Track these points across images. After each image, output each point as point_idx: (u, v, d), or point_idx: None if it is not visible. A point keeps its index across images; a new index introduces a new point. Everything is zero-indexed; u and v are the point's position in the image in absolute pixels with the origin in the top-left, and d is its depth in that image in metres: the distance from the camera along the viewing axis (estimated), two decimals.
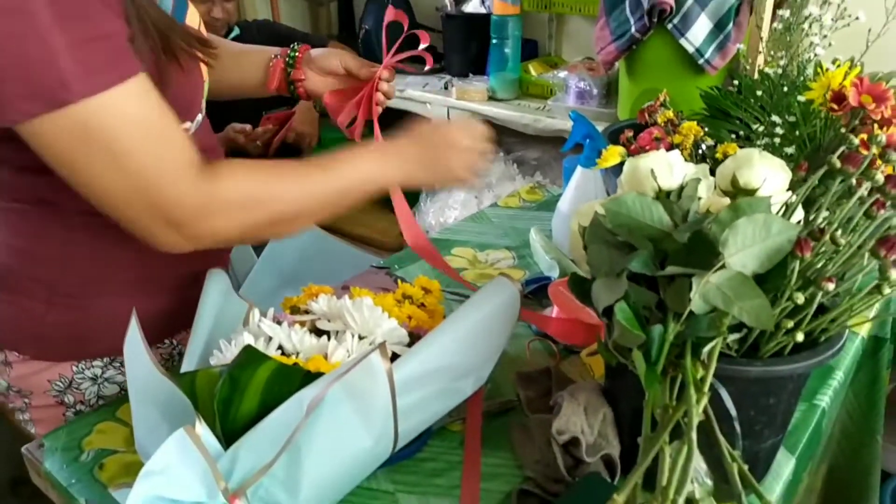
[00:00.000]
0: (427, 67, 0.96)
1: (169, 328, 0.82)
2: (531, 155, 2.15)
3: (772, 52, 0.73)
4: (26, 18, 0.52)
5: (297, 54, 0.91)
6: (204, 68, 0.75)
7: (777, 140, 0.76)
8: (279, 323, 0.68)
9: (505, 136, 2.12)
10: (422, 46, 0.89)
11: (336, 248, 1.09)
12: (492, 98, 1.94)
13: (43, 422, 0.80)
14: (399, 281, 0.99)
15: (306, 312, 0.73)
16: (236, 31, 1.90)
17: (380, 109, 0.91)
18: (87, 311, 0.75)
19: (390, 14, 0.89)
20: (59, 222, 0.70)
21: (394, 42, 0.88)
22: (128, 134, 0.58)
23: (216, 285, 0.76)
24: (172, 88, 0.64)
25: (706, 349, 0.47)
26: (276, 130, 2.04)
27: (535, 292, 0.96)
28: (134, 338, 0.58)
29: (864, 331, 0.89)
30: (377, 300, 0.71)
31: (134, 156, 0.58)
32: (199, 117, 0.76)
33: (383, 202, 0.83)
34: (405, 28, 0.88)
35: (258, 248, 1.04)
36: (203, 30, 0.79)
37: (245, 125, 1.92)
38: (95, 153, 0.57)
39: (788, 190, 0.59)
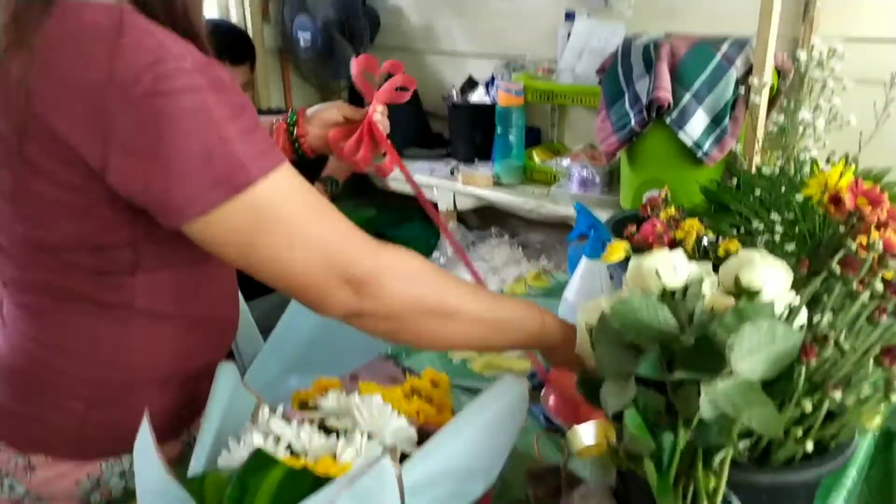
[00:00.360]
0: (405, 98, 1.00)
1: (191, 416, 0.83)
2: (535, 238, 2.18)
3: (768, 152, 0.76)
4: (206, 114, 0.59)
5: (296, 115, 0.99)
6: None
7: (777, 237, 0.78)
8: (288, 420, 0.68)
9: (510, 220, 2.16)
10: (398, 80, 0.97)
11: (342, 332, 1.10)
12: (497, 183, 1.99)
13: None
14: (407, 373, 0.99)
15: (315, 408, 0.73)
16: None
17: (385, 132, 0.97)
18: (129, 408, 0.74)
19: (360, 63, 0.95)
20: (114, 321, 0.72)
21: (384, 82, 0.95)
22: (302, 205, 0.63)
23: (226, 379, 0.76)
24: None
25: (717, 459, 0.47)
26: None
27: (541, 385, 0.96)
28: (145, 439, 0.58)
29: (874, 425, 0.88)
30: (386, 395, 0.71)
31: (311, 224, 0.63)
32: None
33: None
34: (376, 70, 0.95)
35: (265, 333, 1.04)
36: None
37: None
38: (277, 227, 0.62)
39: (791, 289, 0.61)
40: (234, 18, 2.38)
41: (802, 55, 0.75)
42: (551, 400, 0.87)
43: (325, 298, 0.65)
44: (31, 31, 0.61)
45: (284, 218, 0.62)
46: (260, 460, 0.55)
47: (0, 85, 0.63)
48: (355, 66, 0.94)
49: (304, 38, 2.32)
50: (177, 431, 0.82)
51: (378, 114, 0.95)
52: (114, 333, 0.72)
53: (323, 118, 0.98)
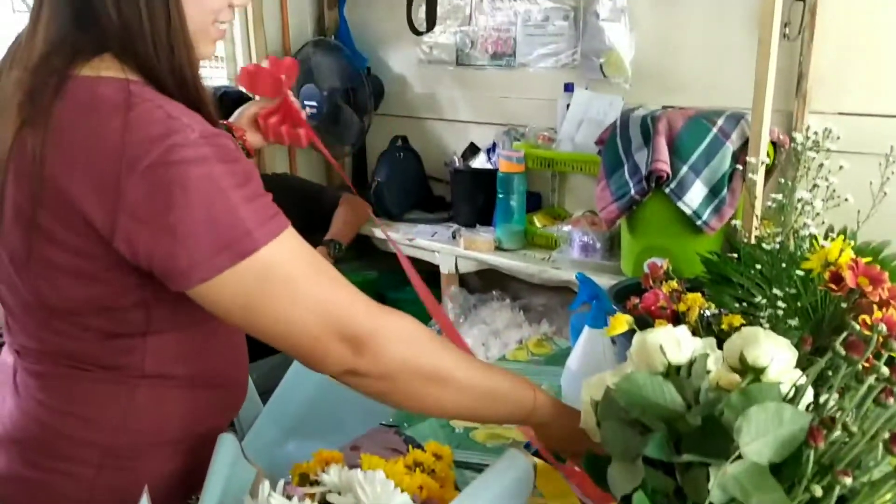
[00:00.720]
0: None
1: (198, 485, 0.81)
2: (537, 301, 2.18)
3: (767, 226, 0.78)
4: (212, 184, 0.61)
5: (227, 126, 1.06)
6: None
7: (780, 312, 0.79)
8: (289, 497, 0.67)
9: (512, 283, 2.17)
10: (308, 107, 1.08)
11: (343, 396, 1.09)
12: (498, 248, 2.01)
13: None
14: (410, 446, 0.97)
15: (316, 483, 0.72)
16: None
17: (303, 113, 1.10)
18: (137, 472, 0.74)
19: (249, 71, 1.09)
20: (122, 385, 0.72)
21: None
22: (304, 269, 0.65)
23: (226, 450, 0.75)
24: None
25: None
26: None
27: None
28: None
29: None
30: (388, 470, 0.70)
31: (313, 285, 0.65)
32: None
33: None
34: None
35: (264, 396, 1.03)
36: None
37: None
38: (280, 290, 0.64)
39: (795, 367, 0.61)
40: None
41: (798, 136, 0.77)
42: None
43: (324, 356, 0.67)
44: (46, 107, 0.64)
45: (287, 280, 0.64)
46: None
47: (16, 157, 0.65)
48: (244, 75, 1.09)
49: (310, 105, 2.38)
50: (186, 496, 0.80)
51: (291, 95, 1.09)
52: (122, 397, 0.73)
53: (247, 114, 1.08)
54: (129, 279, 0.66)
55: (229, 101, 1.92)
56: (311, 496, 0.68)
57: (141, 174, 0.60)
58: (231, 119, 1.10)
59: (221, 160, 0.63)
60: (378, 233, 2.22)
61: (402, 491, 0.67)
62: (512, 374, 0.77)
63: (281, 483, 0.70)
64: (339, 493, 0.67)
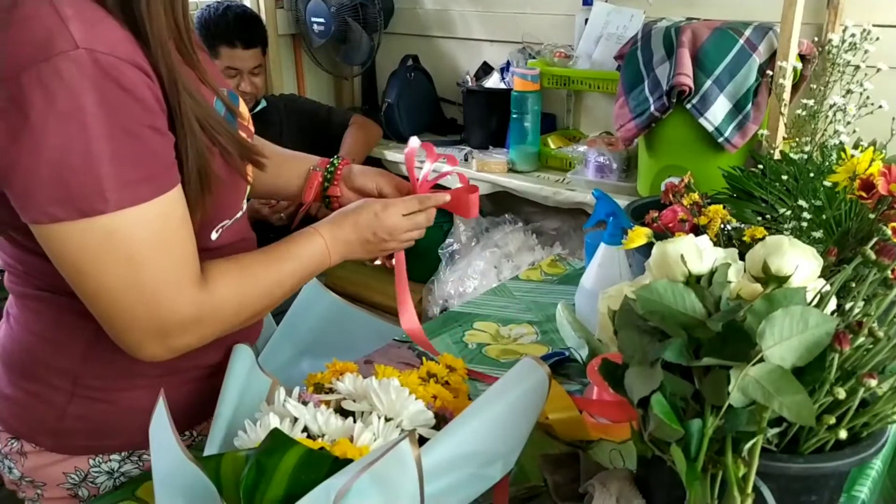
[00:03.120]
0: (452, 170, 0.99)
1: (190, 419, 0.81)
2: (550, 225, 2.16)
3: (796, 138, 0.74)
4: (77, 126, 0.53)
5: (336, 169, 0.93)
6: (250, 169, 0.76)
7: (804, 224, 0.76)
8: (305, 403, 0.67)
9: (524, 207, 2.15)
10: (451, 168, 0.96)
11: (356, 317, 1.09)
12: (512, 170, 1.97)
13: None
14: (423, 357, 0.98)
15: (331, 391, 0.73)
16: (263, 104, 1.97)
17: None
18: (110, 403, 0.74)
19: (413, 146, 0.93)
20: (86, 311, 0.69)
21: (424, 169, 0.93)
22: (147, 247, 0.59)
23: (241, 361, 0.75)
24: (214, 194, 0.67)
25: (747, 446, 0.46)
26: (300, 203, 2.07)
27: (553, 367, 0.95)
28: (161, 421, 0.57)
29: None
30: (402, 379, 0.71)
31: (147, 268, 0.60)
32: (239, 214, 0.78)
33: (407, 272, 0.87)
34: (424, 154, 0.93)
35: (277, 317, 1.04)
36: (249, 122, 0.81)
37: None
38: (111, 263, 0.58)
39: (820, 277, 0.59)
40: (248, 2, 2.37)
41: (835, 37, 0.73)
42: (595, 394, 0.85)
43: (135, 344, 0.63)
44: None
45: (124, 257, 0.58)
46: (277, 441, 0.54)
47: None
48: (409, 151, 0.92)
49: (317, 23, 2.30)
50: (181, 430, 0.79)
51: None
52: (90, 326, 0.69)
53: (361, 187, 0.93)
54: None
55: (233, 16, 1.85)
56: (327, 403, 0.69)
57: (4, 80, 0.52)
58: (352, 170, 0.94)
59: (104, 99, 0.53)
60: (389, 155, 2.18)
61: (417, 399, 0.67)
62: (306, 241, 0.78)
63: (296, 391, 0.70)
64: (354, 401, 0.68)
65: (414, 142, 0.93)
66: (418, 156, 0.95)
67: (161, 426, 0.57)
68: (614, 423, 0.80)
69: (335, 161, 0.94)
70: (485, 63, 2.23)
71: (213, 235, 0.74)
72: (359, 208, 0.83)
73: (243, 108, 0.79)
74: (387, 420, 0.64)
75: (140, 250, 0.59)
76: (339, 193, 0.93)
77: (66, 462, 0.75)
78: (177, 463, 0.54)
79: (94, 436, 0.75)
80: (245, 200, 0.79)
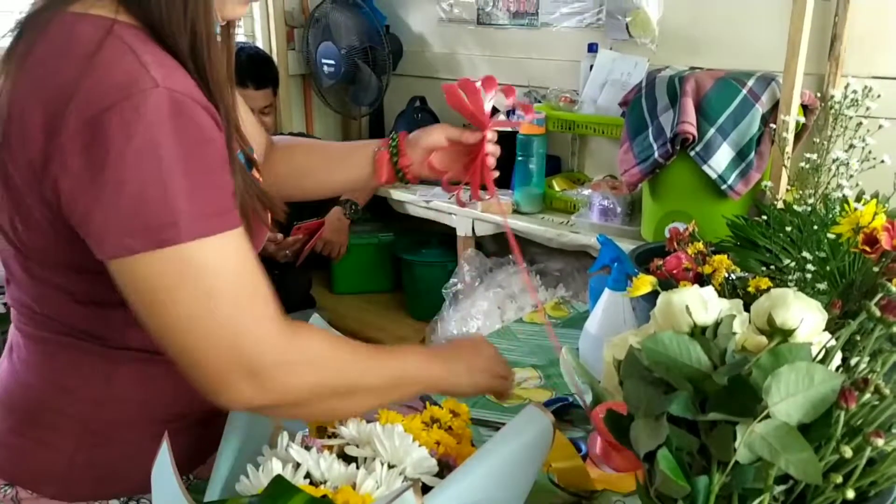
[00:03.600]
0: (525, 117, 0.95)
1: (189, 462, 0.80)
2: (554, 266, 2.17)
3: (800, 191, 0.75)
4: (155, 161, 0.55)
5: (398, 143, 0.93)
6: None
7: (808, 275, 0.77)
8: (308, 448, 0.67)
9: (528, 248, 2.15)
10: (510, 100, 0.92)
11: None
12: (516, 211, 1.99)
13: None
14: (427, 403, 0.98)
15: (333, 435, 0.72)
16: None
17: (493, 174, 0.92)
18: (115, 449, 0.73)
19: (484, 83, 0.89)
20: (105, 357, 0.70)
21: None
22: (224, 280, 0.58)
23: None
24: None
25: (754, 503, 0.46)
26: (306, 240, 2.09)
27: (556, 412, 0.95)
28: (164, 464, 0.57)
29: None
30: (405, 425, 0.70)
31: (226, 302, 0.58)
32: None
33: (406, 308, 0.86)
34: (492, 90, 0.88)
35: None
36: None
37: (276, 234, 1.97)
38: (188, 295, 0.57)
39: (825, 330, 0.59)
40: (260, 43, 2.42)
41: (837, 93, 0.74)
42: (598, 445, 0.84)
43: (222, 385, 0.60)
44: (28, 44, 0.60)
45: (201, 288, 0.57)
46: (280, 487, 0.54)
47: None
48: (454, 87, 0.88)
49: (327, 64, 2.35)
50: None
51: (490, 143, 0.90)
52: (104, 370, 0.70)
53: (427, 144, 0.92)
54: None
55: (246, 57, 1.90)
56: (330, 448, 0.68)
57: (84, 122, 0.54)
58: (411, 137, 0.94)
59: (180, 135, 0.56)
60: (395, 194, 2.20)
61: (420, 446, 0.67)
62: (405, 350, 0.77)
63: (299, 435, 0.70)
64: (357, 446, 0.67)
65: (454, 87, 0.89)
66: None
67: (164, 470, 0.57)
68: (619, 473, 0.79)
69: (394, 136, 0.95)
70: (493, 106, 2.27)
71: None
72: (458, 340, 0.84)
73: (257, 155, 0.81)
74: (390, 467, 0.64)
75: (218, 282, 0.58)
76: (409, 162, 0.92)
77: None
78: None
79: (100, 482, 0.74)
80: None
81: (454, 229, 2.10)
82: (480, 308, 2.04)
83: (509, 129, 2.12)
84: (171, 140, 0.56)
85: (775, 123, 1.24)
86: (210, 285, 0.58)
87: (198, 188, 0.57)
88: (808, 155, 0.76)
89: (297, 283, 2.16)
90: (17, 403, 0.74)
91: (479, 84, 0.89)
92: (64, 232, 0.61)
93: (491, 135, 0.91)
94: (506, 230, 0.92)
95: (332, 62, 2.33)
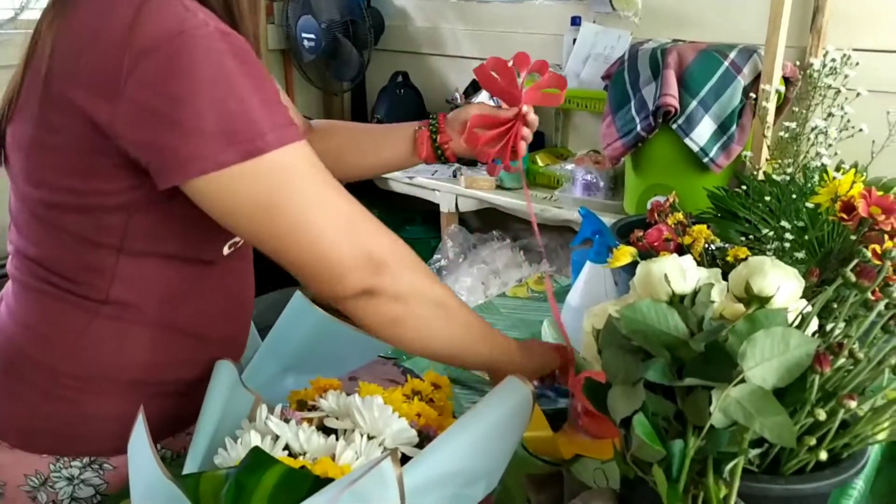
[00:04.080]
0: (557, 101, 0.95)
1: (155, 434, 0.79)
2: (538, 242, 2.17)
3: (778, 160, 0.75)
4: (227, 85, 0.59)
5: (437, 122, 0.97)
6: None
7: (787, 244, 0.77)
8: (287, 420, 0.67)
9: (512, 223, 2.16)
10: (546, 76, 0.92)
11: (343, 332, 1.08)
12: (499, 187, 1.98)
13: None
14: (408, 375, 0.98)
15: (314, 408, 0.72)
16: None
17: (524, 146, 0.95)
18: (80, 406, 0.72)
19: (516, 61, 0.90)
20: (83, 309, 0.70)
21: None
22: (323, 178, 0.63)
23: (224, 377, 0.75)
24: None
25: (729, 467, 0.46)
26: None
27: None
28: (140, 437, 0.57)
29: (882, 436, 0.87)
30: (386, 397, 0.70)
31: (335, 195, 0.63)
32: None
33: None
34: (525, 67, 0.89)
35: (262, 331, 1.03)
36: None
37: None
38: (298, 191, 0.61)
39: (802, 297, 0.60)
40: None
41: (816, 62, 0.74)
42: (579, 408, 0.85)
43: (346, 274, 0.63)
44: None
45: (307, 184, 0.61)
46: (258, 459, 0.54)
47: (38, 48, 0.64)
48: (484, 68, 0.90)
49: (307, 39, 2.31)
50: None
51: (529, 114, 0.93)
52: (79, 322, 0.70)
53: (463, 118, 0.95)
54: (120, 174, 0.64)
55: None
56: (309, 421, 0.68)
57: (147, 66, 0.58)
58: (450, 116, 0.97)
59: (237, 58, 0.60)
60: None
61: (400, 417, 0.67)
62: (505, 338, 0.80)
63: (278, 408, 0.70)
64: (337, 419, 0.67)
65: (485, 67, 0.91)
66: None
67: (140, 442, 0.56)
68: (596, 440, 0.79)
69: (434, 115, 0.98)
70: (474, 80, 2.25)
71: (226, 250, 0.75)
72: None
73: None
74: (369, 438, 0.64)
75: (318, 179, 0.62)
76: (448, 139, 0.96)
77: (26, 462, 0.74)
78: (155, 480, 0.54)
79: (62, 438, 0.73)
80: None
81: (437, 206, 2.10)
82: (464, 284, 2.04)
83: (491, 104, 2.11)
84: (232, 63, 0.59)
85: (757, 94, 1.24)
86: (313, 181, 0.62)
87: (268, 103, 0.61)
88: (787, 124, 0.76)
89: None
90: (0, 348, 0.74)
91: (510, 63, 0.91)
92: (97, 170, 0.63)
93: (527, 108, 0.92)
94: (527, 200, 0.96)
95: (312, 36, 2.29)
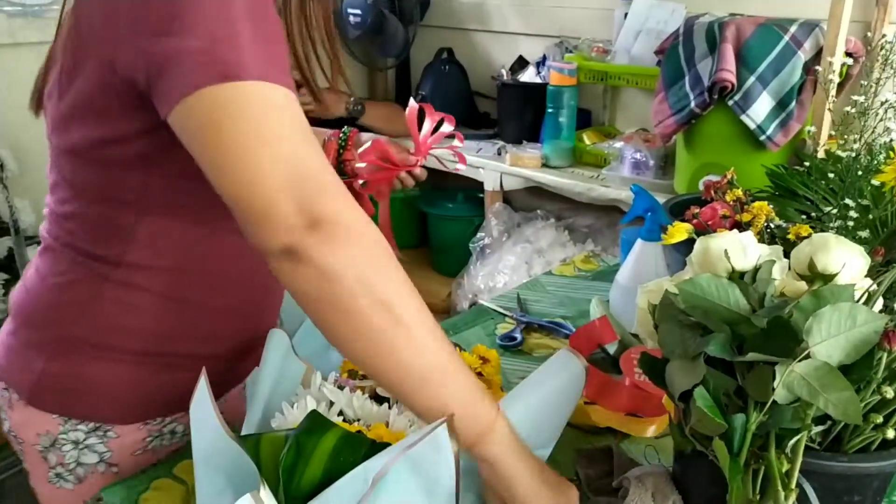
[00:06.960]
0: (458, 144, 1.04)
1: (171, 407, 0.78)
2: (583, 222, 2.14)
3: (844, 136, 0.73)
4: (224, 7, 0.57)
5: (347, 137, 1.00)
6: None
7: (850, 223, 0.75)
8: (341, 388, 0.68)
9: (557, 203, 2.13)
10: (450, 128, 1.00)
11: None
12: (545, 165, 1.96)
13: (33, 476, 0.80)
14: (457, 349, 0.98)
15: (365, 377, 0.73)
16: None
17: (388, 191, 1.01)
18: (84, 368, 0.74)
19: (413, 108, 0.98)
20: (97, 274, 0.71)
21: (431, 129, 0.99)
22: (288, 125, 0.57)
23: (277, 346, 0.76)
24: None
25: (791, 443, 0.45)
26: None
27: None
28: (202, 399, 0.58)
29: None
30: None
31: (293, 141, 0.57)
32: None
33: (432, 264, 0.87)
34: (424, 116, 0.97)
35: None
36: None
37: None
38: (248, 128, 0.56)
39: (866, 276, 0.58)
40: None
41: (889, 33, 0.71)
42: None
43: (272, 216, 0.54)
44: None
45: (265, 122, 0.56)
46: (316, 423, 0.55)
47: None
48: (411, 108, 0.97)
49: (353, 14, 2.31)
50: (140, 416, 0.77)
51: (418, 168, 1.01)
52: (94, 286, 0.72)
53: (364, 140, 1.00)
54: (130, 116, 0.64)
55: None
56: (362, 389, 0.69)
57: None
58: (362, 137, 1.01)
59: None
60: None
61: None
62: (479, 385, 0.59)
63: (332, 375, 0.71)
64: None
65: (412, 104, 0.98)
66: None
67: (202, 404, 0.58)
68: (636, 419, 0.78)
69: (346, 130, 1.02)
70: (520, 57, 2.22)
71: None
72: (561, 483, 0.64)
73: None
74: None
75: (281, 127, 0.57)
76: (352, 157, 0.99)
77: (39, 421, 0.75)
78: (217, 441, 0.55)
79: (66, 396, 0.75)
80: None
81: (481, 184, 2.09)
82: (507, 263, 2.04)
83: (538, 81, 2.08)
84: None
85: (819, 69, 1.19)
86: (277, 121, 0.57)
87: (262, 39, 0.58)
88: (855, 97, 0.73)
89: None
90: (21, 307, 0.77)
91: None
92: (116, 117, 0.64)
93: (421, 160, 1.00)
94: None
95: (358, 12, 2.29)
